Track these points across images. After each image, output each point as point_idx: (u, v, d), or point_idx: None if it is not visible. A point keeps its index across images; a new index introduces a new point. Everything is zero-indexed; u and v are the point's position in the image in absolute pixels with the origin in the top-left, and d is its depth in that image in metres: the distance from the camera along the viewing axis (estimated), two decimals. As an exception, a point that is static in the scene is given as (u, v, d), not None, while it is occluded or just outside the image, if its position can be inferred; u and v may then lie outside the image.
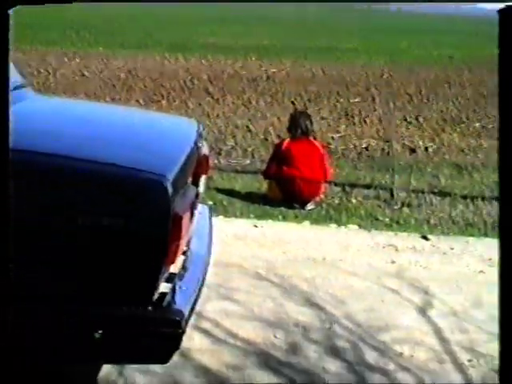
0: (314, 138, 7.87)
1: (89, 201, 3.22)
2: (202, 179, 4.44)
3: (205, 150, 4.45)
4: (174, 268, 3.66)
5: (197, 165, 4.12)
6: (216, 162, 9.30)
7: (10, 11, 2.44)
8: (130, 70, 16.49)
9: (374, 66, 19.88)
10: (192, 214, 3.65)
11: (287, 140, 7.66)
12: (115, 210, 3.21)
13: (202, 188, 4.45)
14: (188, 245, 4.02)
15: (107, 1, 23.48)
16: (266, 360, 4.20)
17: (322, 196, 7.57)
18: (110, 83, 14.69)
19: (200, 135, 4.33)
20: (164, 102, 13.22)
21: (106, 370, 3.88)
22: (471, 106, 14.93)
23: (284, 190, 7.41)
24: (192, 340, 4.31)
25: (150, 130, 4.18)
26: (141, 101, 13.11)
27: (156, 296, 3.40)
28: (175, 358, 4.08)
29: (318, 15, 37.69)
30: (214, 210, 6.83)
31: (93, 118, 4.29)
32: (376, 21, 34.83)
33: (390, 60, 21.75)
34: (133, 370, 3.94)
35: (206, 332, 4.44)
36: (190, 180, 3.96)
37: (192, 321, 4.45)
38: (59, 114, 4.31)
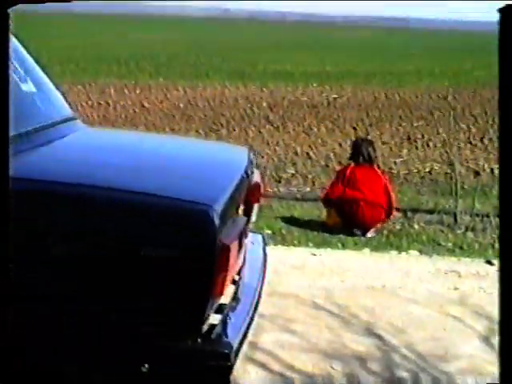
0: (378, 167, 7.77)
1: (134, 232, 3.18)
2: (254, 208, 4.36)
3: (256, 177, 4.37)
4: (224, 299, 3.59)
5: (247, 193, 4.04)
6: (276, 189, 9.24)
7: (10, 10, 2.42)
8: (190, 100, 16.55)
9: (437, 88, 19.64)
10: (241, 244, 3.57)
11: (351, 165, 7.54)
12: (161, 240, 3.16)
13: (253, 216, 4.37)
14: (239, 274, 3.94)
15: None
16: (323, 392, 4.08)
17: (382, 223, 7.40)
18: (170, 114, 14.74)
19: (251, 163, 4.26)
20: (224, 130, 13.20)
21: None
22: (538, 126, 14.62)
23: (346, 214, 7.27)
24: (247, 373, 4.22)
25: (197, 158, 4.13)
26: (200, 130, 13.11)
27: (205, 328, 3.32)
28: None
29: (375, 37, 37.57)
30: (272, 239, 6.76)
31: (141, 149, 4.25)
32: (436, 41, 34.56)
33: (454, 81, 21.50)
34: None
35: (261, 364, 4.33)
36: (241, 208, 3.89)
37: (247, 353, 4.38)
38: (108, 145, 4.29)
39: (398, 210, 7.99)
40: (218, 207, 3.21)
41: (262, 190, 4.52)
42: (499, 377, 2.38)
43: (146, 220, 3.19)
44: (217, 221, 3.14)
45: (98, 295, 3.13)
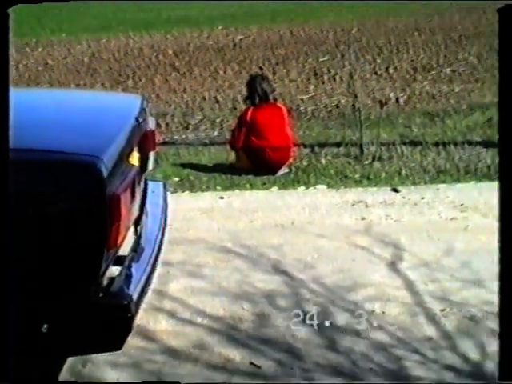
0: (275, 100, 7.60)
1: (24, 189, 3.10)
2: (150, 156, 4.30)
3: (150, 125, 4.31)
4: (123, 250, 3.54)
5: (142, 141, 3.98)
6: (184, 136, 9.16)
7: (10, 10, 2.35)
8: (94, 53, 16.24)
9: (342, 23, 19.62)
10: (134, 193, 3.51)
11: (250, 109, 7.40)
12: (50, 195, 3.10)
13: (150, 164, 4.32)
14: (138, 224, 3.90)
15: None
16: (235, 334, 4.08)
17: (291, 160, 7.37)
18: (74, 69, 14.44)
19: (143, 111, 4.19)
20: (130, 81, 13.00)
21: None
22: (442, 51, 14.76)
23: (254, 161, 7.21)
24: (158, 322, 4.20)
25: (86, 110, 4.04)
26: (106, 83, 12.89)
27: (105, 281, 3.28)
28: (141, 342, 3.99)
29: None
30: (179, 186, 6.72)
31: (29, 105, 4.14)
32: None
33: (358, 14, 21.49)
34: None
35: (171, 312, 4.31)
36: (136, 157, 3.83)
37: (156, 302, 4.36)
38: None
39: (305, 146, 7.99)
40: (105, 158, 3.16)
41: (156, 138, 4.46)
42: (498, 375, 2.41)
43: (35, 176, 3.12)
44: (104, 171, 3.09)
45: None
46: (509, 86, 2.32)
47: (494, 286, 4.41)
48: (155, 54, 15.88)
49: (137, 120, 3.91)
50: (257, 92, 7.30)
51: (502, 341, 2.41)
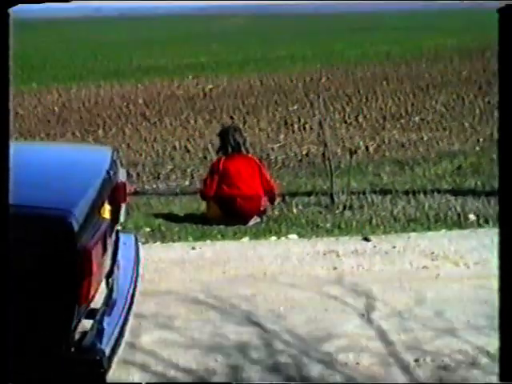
0: (247, 151, 7.63)
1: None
2: (122, 208, 4.30)
3: (121, 177, 4.31)
4: (95, 303, 3.52)
5: (113, 193, 3.98)
6: (154, 186, 9.17)
7: (10, 10, 2.36)
8: (65, 103, 16.29)
9: (311, 72, 19.84)
10: (105, 246, 3.50)
11: (222, 159, 7.41)
12: (21, 251, 3.07)
13: (122, 217, 4.31)
14: (110, 277, 3.88)
15: None
16: (208, 387, 4.06)
17: (262, 209, 7.38)
18: (45, 119, 14.48)
19: (114, 163, 4.19)
20: (100, 131, 13.03)
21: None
22: (410, 100, 14.94)
23: (225, 210, 7.21)
24: (130, 376, 4.16)
25: (57, 163, 4.04)
26: (77, 133, 12.91)
27: (77, 336, 3.26)
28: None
29: (250, 25, 37.56)
30: (151, 237, 6.70)
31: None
32: (310, 24, 34.79)
33: (326, 63, 21.75)
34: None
35: (143, 366, 4.27)
36: (107, 209, 3.83)
37: (128, 355, 4.32)
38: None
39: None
40: (76, 211, 3.15)
41: (128, 189, 4.46)
42: (499, 375, 2.40)
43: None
44: (75, 226, 3.08)
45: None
46: (509, 87, 2.34)
47: (466, 334, 4.45)
48: (126, 103, 15.96)
49: (108, 172, 3.91)
50: (229, 143, 7.34)
51: (502, 341, 2.40)
